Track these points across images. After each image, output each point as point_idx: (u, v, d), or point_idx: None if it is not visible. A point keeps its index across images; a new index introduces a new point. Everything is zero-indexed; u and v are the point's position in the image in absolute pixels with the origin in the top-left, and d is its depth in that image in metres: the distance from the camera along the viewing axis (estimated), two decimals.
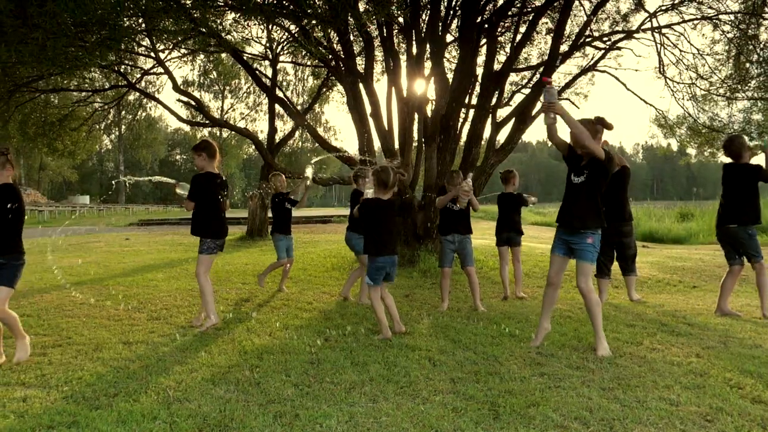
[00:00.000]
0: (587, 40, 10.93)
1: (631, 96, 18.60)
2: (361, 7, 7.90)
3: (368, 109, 9.76)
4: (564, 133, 4.12)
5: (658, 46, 11.50)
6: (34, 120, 13.28)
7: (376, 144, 10.00)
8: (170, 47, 11.88)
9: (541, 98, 4.21)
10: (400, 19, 9.59)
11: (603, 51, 11.26)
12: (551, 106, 3.97)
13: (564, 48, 10.16)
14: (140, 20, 6.36)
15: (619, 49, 11.41)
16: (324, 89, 15.80)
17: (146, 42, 11.06)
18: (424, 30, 9.48)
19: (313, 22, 8.21)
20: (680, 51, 11.71)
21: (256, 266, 8.98)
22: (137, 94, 15.70)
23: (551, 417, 2.89)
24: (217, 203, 4.99)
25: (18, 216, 3.93)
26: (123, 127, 58.35)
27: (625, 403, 3.08)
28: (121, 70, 12.86)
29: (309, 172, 6.57)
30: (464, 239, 5.93)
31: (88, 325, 5.08)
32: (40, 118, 13.48)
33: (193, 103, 13.20)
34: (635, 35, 11.05)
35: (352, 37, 9.81)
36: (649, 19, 10.89)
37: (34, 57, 5.49)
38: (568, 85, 11.49)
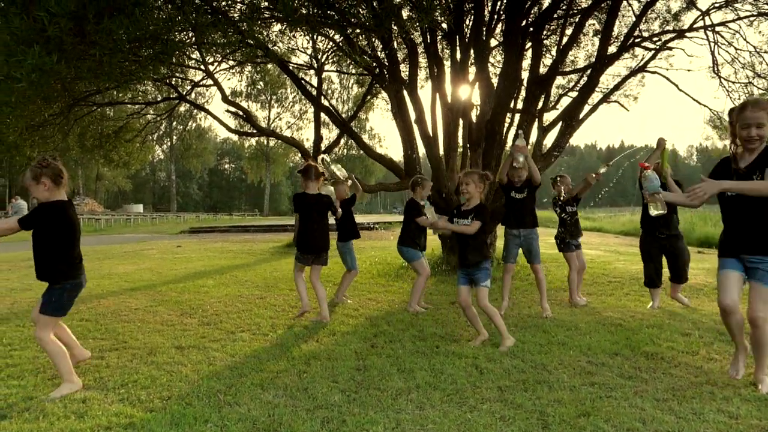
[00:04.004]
0: (636, 40, 10.67)
1: (684, 97, 18.14)
2: (405, 14, 7.94)
3: (412, 115, 9.78)
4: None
5: (712, 44, 11.11)
6: (92, 132, 13.83)
7: (421, 150, 10.01)
8: (219, 59, 12.21)
9: None
10: (444, 25, 9.57)
11: (653, 51, 10.96)
12: None
13: (612, 49, 9.94)
14: (190, 34, 6.57)
15: (670, 49, 11.08)
16: (368, 97, 15.90)
17: (196, 55, 11.41)
18: (468, 35, 9.45)
19: (358, 31, 8.30)
20: (735, 49, 11.26)
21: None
22: (188, 105, 16.18)
23: (602, 428, 2.82)
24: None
25: (58, 238, 3.50)
26: (174, 137, 60.49)
27: (681, 415, 2.97)
28: (173, 83, 13.28)
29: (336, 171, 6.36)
30: (530, 234, 5.76)
31: (143, 330, 5.25)
32: (97, 130, 14.03)
33: (241, 113, 13.50)
34: (687, 34, 10.71)
35: (395, 45, 9.86)
36: (701, 17, 10.54)
37: (91, 72, 5.73)
38: (617, 87, 11.23)
